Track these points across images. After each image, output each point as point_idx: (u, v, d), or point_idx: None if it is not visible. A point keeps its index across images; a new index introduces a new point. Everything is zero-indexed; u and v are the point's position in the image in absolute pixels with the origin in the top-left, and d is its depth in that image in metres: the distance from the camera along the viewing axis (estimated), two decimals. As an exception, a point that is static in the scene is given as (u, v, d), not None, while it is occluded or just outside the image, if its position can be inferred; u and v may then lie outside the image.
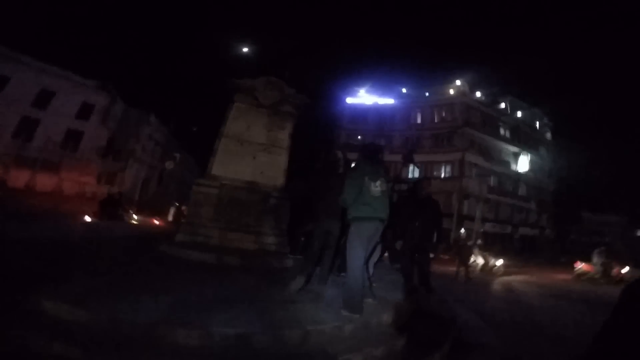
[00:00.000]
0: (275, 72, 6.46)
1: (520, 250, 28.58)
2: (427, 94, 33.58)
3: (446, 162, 28.83)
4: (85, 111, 24.02)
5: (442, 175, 28.72)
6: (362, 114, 34.62)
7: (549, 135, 37.15)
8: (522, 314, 5.56)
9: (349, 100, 35.61)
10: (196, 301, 2.77)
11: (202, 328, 2.29)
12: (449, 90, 32.00)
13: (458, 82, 31.78)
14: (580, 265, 13.03)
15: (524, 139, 33.47)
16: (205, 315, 2.47)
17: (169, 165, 26.04)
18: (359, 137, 33.95)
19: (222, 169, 5.57)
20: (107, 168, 24.86)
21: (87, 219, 10.67)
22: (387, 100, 34.24)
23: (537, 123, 36.43)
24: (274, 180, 5.66)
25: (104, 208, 12.10)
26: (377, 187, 3.05)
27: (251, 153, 5.72)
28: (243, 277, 3.87)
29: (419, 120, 32.65)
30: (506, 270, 12.08)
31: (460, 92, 31.11)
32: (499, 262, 11.89)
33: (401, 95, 34.29)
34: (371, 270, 3.82)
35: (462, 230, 26.42)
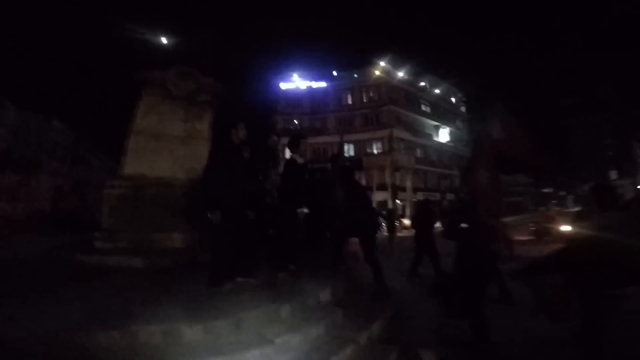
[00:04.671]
0: (190, 61, 6.13)
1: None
2: (355, 75, 34.71)
3: (377, 139, 30.60)
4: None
5: (375, 152, 30.46)
6: (296, 99, 34.63)
7: (463, 108, 41.38)
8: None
9: (283, 85, 35.24)
10: (117, 304, 2.68)
11: (124, 328, 2.24)
12: (375, 71, 33.46)
13: (383, 63, 33.35)
14: None
15: (443, 113, 36.87)
16: (127, 316, 2.41)
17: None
18: (295, 121, 34.06)
19: (136, 167, 5.22)
20: (6, 182, 21.23)
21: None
22: (320, 84, 34.66)
23: (453, 99, 40.27)
24: (196, 172, 5.49)
25: None
26: None
27: (168, 147, 5.42)
28: (169, 276, 3.75)
29: (350, 101, 33.79)
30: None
31: (385, 73, 32.76)
32: None
33: (332, 78, 34.94)
34: None
35: (398, 201, 28.72)
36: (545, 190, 51.29)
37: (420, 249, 6.38)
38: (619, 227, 2.29)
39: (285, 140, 29.82)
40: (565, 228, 12.61)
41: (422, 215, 6.72)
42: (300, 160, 4.33)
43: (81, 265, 4.18)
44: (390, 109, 30.79)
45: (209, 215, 3.20)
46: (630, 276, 2.25)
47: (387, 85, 31.94)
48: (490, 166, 4.97)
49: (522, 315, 3.64)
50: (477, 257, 3.15)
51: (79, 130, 27.49)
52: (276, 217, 4.20)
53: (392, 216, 12.19)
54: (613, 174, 26.66)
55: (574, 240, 2.69)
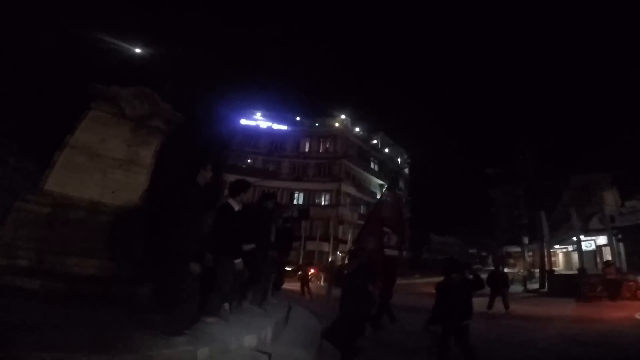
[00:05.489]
0: (152, 82, 6.02)
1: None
2: (317, 124, 36.27)
3: (326, 191, 31.49)
4: None
5: (322, 203, 31.14)
6: (254, 137, 34.73)
7: (407, 170, 45.02)
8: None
9: (244, 121, 35.34)
10: (8, 326, 2.38)
11: (6, 351, 1.97)
12: (334, 123, 35.49)
13: (343, 116, 35.64)
14: None
15: (389, 173, 39.66)
16: (18, 339, 2.14)
17: None
18: (249, 160, 33.91)
19: (60, 185, 4.75)
20: None
21: None
22: (281, 127, 35.38)
23: (399, 159, 43.84)
24: (129, 201, 5.13)
25: None
26: None
27: (102, 169, 5.06)
28: (76, 304, 3.40)
29: (307, 149, 34.86)
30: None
31: (343, 126, 34.94)
32: None
33: (294, 122, 35.92)
34: None
35: (339, 253, 29.02)
36: (470, 250, 56.11)
37: (384, 301, 6.72)
38: (454, 284, 3.91)
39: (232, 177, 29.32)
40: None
41: (387, 271, 7.07)
42: (237, 207, 4.09)
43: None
44: (342, 162, 32.36)
45: (190, 267, 2.98)
46: (467, 312, 3.76)
47: (343, 138, 33.85)
48: (376, 232, 6.43)
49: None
50: (357, 299, 3.81)
51: (3, 125, 23.98)
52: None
53: (333, 268, 12.79)
54: (526, 239, 30.04)
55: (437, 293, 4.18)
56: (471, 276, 4.20)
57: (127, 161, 5.37)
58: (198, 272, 3.11)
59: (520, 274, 24.35)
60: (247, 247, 4.25)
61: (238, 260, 3.91)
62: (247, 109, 35.40)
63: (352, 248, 7.81)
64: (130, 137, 5.47)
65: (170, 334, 2.76)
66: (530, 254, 29.01)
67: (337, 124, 35.31)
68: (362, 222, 32.57)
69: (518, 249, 33.65)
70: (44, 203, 4.59)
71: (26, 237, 4.38)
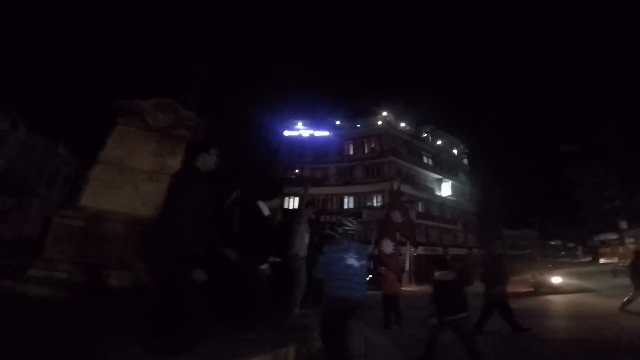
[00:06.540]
0: (173, 92, 6.10)
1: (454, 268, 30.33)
2: (358, 125, 35.60)
3: (377, 192, 30.24)
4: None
5: (375, 205, 29.92)
6: (299, 147, 35.19)
7: (465, 161, 41.58)
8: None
9: (287, 133, 36.14)
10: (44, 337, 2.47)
11: None
12: (377, 121, 34.38)
13: (385, 113, 34.38)
14: None
15: (445, 166, 36.95)
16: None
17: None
18: (296, 170, 34.32)
19: (94, 200, 4.90)
20: (-1, 205, 21.44)
21: None
22: (323, 133, 35.45)
23: (455, 151, 40.72)
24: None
25: None
26: None
27: (132, 182, 5.14)
28: (111, 315, 3.37)
29: (351, 152, 34.24)
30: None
31: (386, 123, 33.65)
32: None
33: (335, 127, 35.74)
34: None
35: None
36: (553, 242, 49.44)
37: (490, 305, 6.19)
38: (446, 280, 4.18)
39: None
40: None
41: (495, 270, 6.57)
42: (267, 212, 3.72)
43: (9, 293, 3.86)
44: (391, 160, 31.00)
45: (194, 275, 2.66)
46: (461, 306, 3.96)
47: (388, 136, 32.54)
48: (392, 236, 7.15)
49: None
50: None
51: (81, 160, 27.61)
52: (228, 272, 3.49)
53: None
54: (623, 224, 25.35)
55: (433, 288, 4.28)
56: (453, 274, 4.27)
57: (156, 173, 5.37)
58: (204, 280, 2.70)
59: (621, 264, 20.46)
60: (272, 259, 3.79)
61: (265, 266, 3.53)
62: (288, 120, 36.05)
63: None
64: (156, 148, 5.51)
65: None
66: (632, 240, 24.42)
67: (379, 122, 34.12)
68: (420, 221, 30.86)
69: (614, 236, 28.68)
70: (79, 217, 4.73)
71: (64, 251, 4.53)
